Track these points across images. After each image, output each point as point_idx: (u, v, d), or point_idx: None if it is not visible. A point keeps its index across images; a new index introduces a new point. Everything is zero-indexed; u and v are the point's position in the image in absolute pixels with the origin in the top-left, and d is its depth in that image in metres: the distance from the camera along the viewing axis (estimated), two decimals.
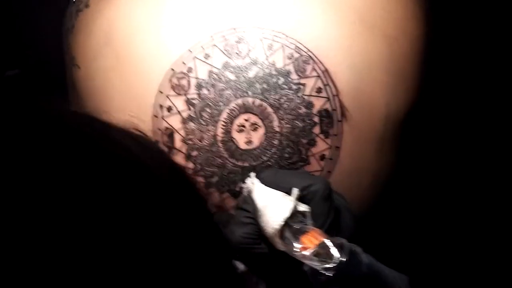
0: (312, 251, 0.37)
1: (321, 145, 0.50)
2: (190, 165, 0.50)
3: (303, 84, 0.49)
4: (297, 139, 0.49)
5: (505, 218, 0.61)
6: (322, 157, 0.50)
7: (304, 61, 0.49)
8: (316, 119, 0.49)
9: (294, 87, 0.49)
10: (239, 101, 0.49)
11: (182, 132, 0.50)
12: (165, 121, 0.50)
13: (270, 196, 0.42)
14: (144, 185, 0.22)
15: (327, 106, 0.49)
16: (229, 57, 0.50)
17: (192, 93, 0.50)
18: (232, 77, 0.49)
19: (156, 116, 0.51)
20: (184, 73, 0.50)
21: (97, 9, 0.54)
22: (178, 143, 0.50)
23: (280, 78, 0.49)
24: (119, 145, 0.23)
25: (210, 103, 0.49)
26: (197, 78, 0.50)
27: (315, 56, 0.49)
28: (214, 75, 0.49)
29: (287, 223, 0.41)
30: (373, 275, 0.37)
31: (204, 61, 0.50)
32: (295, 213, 0.41)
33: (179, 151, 0.50)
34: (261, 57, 0.49)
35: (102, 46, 0.52)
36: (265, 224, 0.41)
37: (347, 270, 0.36)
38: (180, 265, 0.22)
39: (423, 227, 0.61)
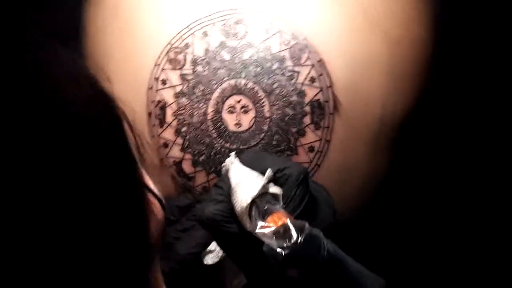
0: (272, 229, 0.38)
1: (311, 136, 0.49)
2: (179, 140, 0.51)
3: (297, 72, 0.48)
4: (286, 127, 0.49)
5: (501, 226, 0.59)
6: (311, 149, 0.49)
7: (300, 49, 0.48)
8: (307, 108, 0.48)
9: (288, 74, 0.48)
10: (232, 81, 0.49)
11: (174, 106, 0.51)
12: (159, 93, 0.51)
13: (245, 175, 0.42)
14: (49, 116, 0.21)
15: (320, 97, 0.48)
16: (226, 37, 0.49)
17: (187, 69, 0.50)
18: (227, 57, 0.49)
19: (150, 88, 0.51)
20: (181, 48, 0.50)
21: None
22: (169, 116, 0.51)
23: (275, 63, 0.48)
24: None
25: (203, 81, 0.50)
26: (193, 54, 0.50)
27: (312, 45, 0.47)
28: (210, 53, 0.49)
29: (256, 203, 0.41)
30: (333, 262, 0.37)
31: (201, 39, 0.50)
32: (266, 194, 0.41)
33: (170, 124, 0.51)
34: (258, 40, 0.48)
35: (109, 19, 0.53)
36: (235, 202, 0.42)
37: (303, 252, 0.36)
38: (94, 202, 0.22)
39: (416, 233, 0.60)
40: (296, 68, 0.48)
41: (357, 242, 0.54)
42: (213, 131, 0.50)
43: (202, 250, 0.52)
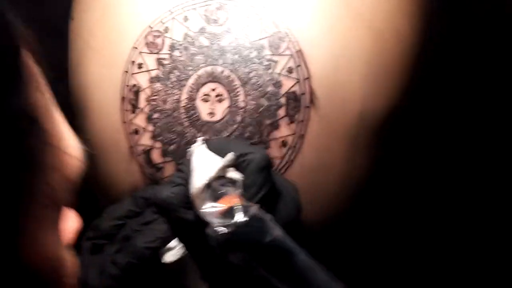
0: (218, 209, 0.35)
1: (285, 130, 0.47)
2: (150, 127, 0.50)
3: (275, 62, 0.47)
4: (260, 119, 0.47)
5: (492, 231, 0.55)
6: (284, 144, 0.47)
7: (279, 37, 0.47)
8: (282, 100, 0.47)
9: (266, 63, 0.47)
10: (209, 68, 0.48)
11: (147, 91, 0.50)
12: (134, 77, 0.50)
13: (206, 159, 0.40)
14: None
15: (296, 88, 0.46)
16: (207, 23, 0.48)
17: (164, 53, 0.49)
18: (206, 43, 0.48)
19: (126, 72, 0.50)
20: (160, 32, 0.49)
21: None
22: (142, 102, 0.50)
23: (253, 51, 0.47)
24: None
25: (179, 66, 0.49)
26: (172, 38, 0.49)
27: (292, 34, 0.46)
28: (189, 38, 0.49)
29: (211, 186, 0.38)
30: (280, 251, 0.34)
31: (182, 23, 0.49)
32: (223, 178, 0.39)
33: (142, 110, 0.50)
34: (237, 27, 0.48)
35: None
36: (192, 186, 0.39)
37: (244, 233, 0.34)
38: None
39: (398, 240, 0.56)
40: (274, 58, 0.47)
41: (333, 249, 0.51)
42: (185, 119, 0.49)
43: (162, 245, 0.49)
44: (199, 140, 0.42)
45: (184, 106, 0.49)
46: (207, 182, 0.38)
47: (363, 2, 0.47)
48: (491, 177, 0.55)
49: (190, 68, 0.48)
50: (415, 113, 0.49)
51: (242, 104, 0.47)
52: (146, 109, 0.50)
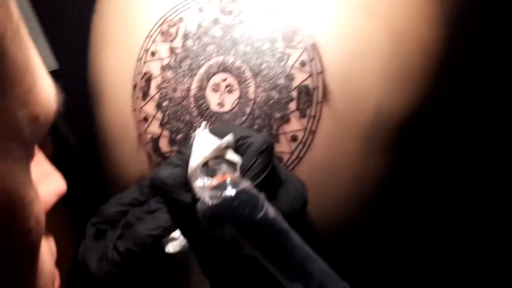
0: (210, 184, 0.34)
1: (295, 124, 0.46)
2: (159, 115, 0.49)
3: (288, 54, 0.46)
4: (270, 111, 0.46)
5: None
6: (294, 138, 0.46)
7: (293, 30, 0.46)
8: (294, 93, 0.45)
9: (278, 55, 0.46)
10: (220, 58, 0.47)
11: (159, 79, 0.49)
12: (146, 65, 0.50)
13: (206, 141, 0.39)
14: None
15: (308, 82, 0.45)
16: (222, 13, 0.48)
17: (177, 42, 0.49)
18: (219, 33, 0.48)
19: (139, 60, 0.50)
20: (175, 22, 0.49)
21: None
22: (153, 89, 0.50)
23: (266, 43, 0.46)
24: None
25: (191, 55, 0.48)
26: (185, 28, 0.49)
27: (307, 27, 0.45)
28: (202, 28, 0.48)
29: (208, 166, 0.37)
30: (271, 230, 0.33)
31: (196, 14, 0.49)
32: (221, 159, 0.38)
33: (152, 98, 0.49)
34: (251, 19, 0.47)
35: None
36: (189, 167, 0.38)
37: (233, 206, 0.32)
38: None
39: (412, 249, 0.53)
40: (287, 50, 0.46)
41: (342, 257, 0.48)
42: (194, 108, 0.48)
43: (164, 235, 0.48)
44: (203, 125, 0.41)
45: (193, 95, 0.48)
46: (203, 161, 0.37)
47: (381, 3, 0.45)
48: None
49: (201, 57, 0.48)
50: (434, 119, 0.47)
51: (252, 96, 0.46)
52: (156, 97, 0.49)
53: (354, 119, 0.45)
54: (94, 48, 0.56)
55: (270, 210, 0.33)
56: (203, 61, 0.48)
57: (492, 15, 0.46)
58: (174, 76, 0.49)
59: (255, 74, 0.46)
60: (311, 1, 0.46)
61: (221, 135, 0.40)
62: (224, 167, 0.36)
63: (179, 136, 0.49)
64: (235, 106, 0.47)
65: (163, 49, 0.49)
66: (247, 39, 0.47)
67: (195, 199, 0.38)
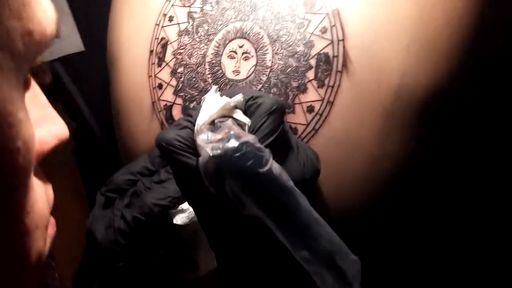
0: (214, 137, 0.32)
1: (312, 95, 0.43)
2: (174, 82, 0.48)
3: (309, 20, 0.43)
4: (287, 80, 0.44)
5: None
6: (310, 109, 0.43)
7: None
8: (312, 61, 0.43)
9: (298, 21, 0.44)
10: (238, 24, 0.46)
11: (175, 44, 0.48)
12: (164, 30, 0.48)
13: (215, 101, 0.37)
14: None
15: (328, 50, 0.43)
16: None
17: (196, 7, 0.48)
18: None
19: (157, 25, 0.49)
20: None
21: None
22: (168, 55, 0.48)
23: (286, 8, 0.44)
24: None
25: (209, 20, 0.47)
26: None
27: None
28: None
29: (214, 124, 0.35)
30: (275, 186, 0.30)
31: None
32: (229, 118, 0.36)
33: (168, 64, 0.48)
34: None
35: None
36: (195, 125, 0.36)
37: (236, 158, 0.30)
38: None
39: (431, 234, 0.50)
40: (308, 16, 0.44)
41: (357, 239, 0.46)
42: (209, 75, 0.46)
43: (172, 205, 0.47)
44: (213, 88, 0.39)
45: (209, 61, 0.46)
46: (210, 119, 0.35)
47: None
48: None
49: (219, 22, 0.46)
50: (462, 97, 0.43)
51: (269, 64, 0.44)
52: (172, 63, 0.48)
53: (375, 91, 0.43)
54: (113, 18, 0.55)
55: (275, 166, 0.31)
56: (220, 27, 0.46)
57: None
58: (190, 42, 0.47)
59: (273, 41, 0.44)
60: None
61: (231, 96, 0.38)
62: (229, 122, 0.34)
63: (192, 104, 0.47)
64: (250, 74, 0.45)
65: (181, 14, 0.48)
66: (267, 4, 0.45)
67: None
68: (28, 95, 0.30)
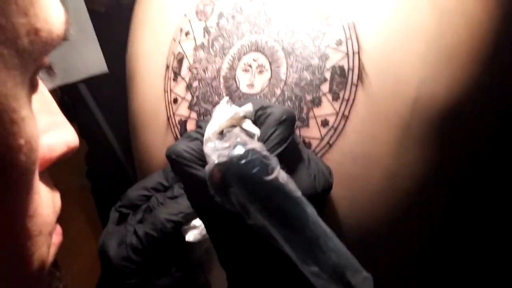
0: (221, 145, 0.32)
1: (327, 108, 0.43)
2: (189, 96, 0.48)
3: (324, 33, 0.43)
4: (301, 93, 0.43)
5: None
6: (325, 123, 0.43)
7: (331, 7, 0.43)
8: (327, 74, 0.43)
9: (313, 33, 0.43)
10: (253, 37, 0.46)
11: (190, 59, 0.48)
12: (180, 45, 0.49)
13: (225, 111, 0.37)
14: None
15: (344, 62, 0.42)
16: None
17: (212, 21, 0.48)
18: (254, 12, 0.46)
19: (174, 40, 0.50)
20: (211, 1, 0.49)
21: None
22: (184, 70, 0.49)
23: (301, 21, 0.44)
24: None
25: (224, 34, 0.47)
26: (221, 7, 0.48)
27: (345, 4, 0.43)
28: (237, 6, 0.47)
29: (224, 134, 0.35)
30: (281, 195, 0.29)
31: None
32: (238, 128, 0.35)
33: (183, 78, 0.48)
34: None
35: None
36: (204, 135, 0.36)
37: (239, 166, 0.29)
38: None
39: (452, 256, 0.47)
40: (323, 28, 0.43)
41: (372, 263, 0.44)
42: (224, 89, 0.46)
43: (184, 221, 0.46)
44: (225, 99, 0.39)
45: (224, 75, 0.47)
46: (219, 129, 0.35)
47: None
48: None
49: (234, 36, 0.47)
50: (482, 110, 0.42)
51: (283, 77, 0.44)
52: (187, 78, 0.48)
53: (391, 104, 0.42)
54: (132, 34, 0.56)
55: (282, 175, 0.30)
56: (235, 40, 0.46)
57: None
58: (205, 56, 0.48)
59: (288, 54, 0.44)
60: None
61: (241, 106, 0.38)
62: (237, 130, 0.34)
63: (207, 118, 0.47)
64: (265, 87, 0.45)
65: (197, 29, 0.49)
66: (282, 18, 0.45)
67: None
68: (39, 101, 0.31)
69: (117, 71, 0.67)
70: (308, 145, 0.43)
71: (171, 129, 0.50)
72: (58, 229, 0.33)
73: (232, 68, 0.46)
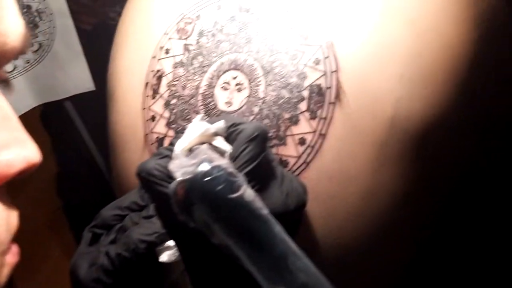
0: (187, 162, 0.31)
1: (304, 126, 0.43)
2: (167, 113, 0.48)
3: (302, 52, 0.43)
4: (279, 111, 0.43)
5: None
6: (302, 142, 0.43)
7: (309, 27, 0.44)
8: (305, 93, 0.43)
9: (292, 52, 0.44)
10: (233, 56, 0.46)
11: (170, 76, 0.48)
12: (160, 63, 0.49)
13: (197, 128, 0.36)
14: None
15: (321, 81, 0.42)
16: (239, 11, 0.47)
17: (192, 39, 0.48)
18: (234, 30, 0.47)
19: (154, 57, 0.50)
20: (192, 19, 0.49)
21: None
22: (163, 87, 0.49)
23: (280, 40, 0.44)
24: None
25: (204, 52, 0.47)
26: (202, 25, 0.48)
27: (323, 24, 0.43)
28: (218, 25, 0.47)
29: (193, 151, 0.34)
30: (247, 213, 0.29)
31: (214, 12, 0.48)
32: (208, 145, 0.35)
33: (162, 96, 0.48)
34: (268, 16, 0.45)
35: None
36: (173, 152, 0.36)
37: (203, 183, 0.29)
38: None
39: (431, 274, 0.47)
40: (302, 48, 0.43)
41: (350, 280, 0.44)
42: (202, 107, 0.46)
43: (159, 241, 0.45)
44: (198, 116, 0.38)
45: (202, 93, 0.46)
46: (188, 146, 0.34)
47: (405, 0, 0.43)
48: None
49: (214, 54, 0.47)
50: (458, 128, 0.42)
51: (261, 95, 0.44)
52: (166, 95, 0.48)
53: (368, 123, 0.42)
54: (114, 50, 0.56)
55: (249, 192, 0.30)
56: (215, 58, 0.46)
57: None
58: (184, 74, 0.48)
59: (267, 72, 0.44)
60: None
61: (213, 123, 0.38)
62: (204, 147, 0.34)
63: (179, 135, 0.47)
64: (243, 105, 0.45)
65: (177, 47, 0.49)
66: (262, 36, 0.45)
67: None
68: None
69: (104, 89, 0.67)
70: (285, 163, 0.43)
71: (149, 147, 0.49)
72: (14, 249, 0.32)
73: (211, 85, 0.46)
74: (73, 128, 0.92)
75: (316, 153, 0.42)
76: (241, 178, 0.30)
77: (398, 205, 0.43)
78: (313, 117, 0.43)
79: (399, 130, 0.41)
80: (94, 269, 0.46)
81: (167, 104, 0.48)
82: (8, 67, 0.22)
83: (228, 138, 0.36)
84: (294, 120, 0.43)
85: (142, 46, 0.51)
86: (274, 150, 0.43)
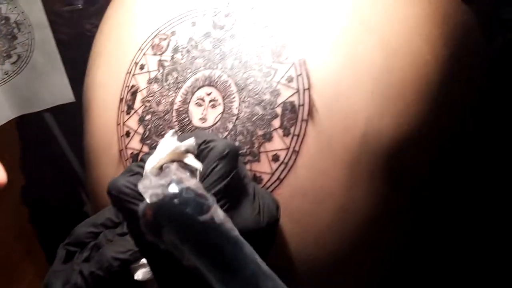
0: (156, 183, 0.31)
1: (277, 143, 0.43)
2: (141, 129, 0.47)
3: (275, 70, 0.44)
4: (253, 128, 0.43)
5: None
6: (276, 158, 0.43)
7: (282, 45, 0.44)
8: (278, 110, 0.43)
9: (265, 70, 0.44)
10: (207, 72, 0.46)
11: (144, 92, 0.48)
12: (134, 78, 0.49)
13: (168, 145, 0.36)
14: None
15: (294, 99, 0.43)
16: (214, 28, 0.47)
17: (167, 55, 0.48)
18: (208, 47, 0.47)
19: (129, 73, 0.50)
20: (167, 35, 0.49)
21: None
22: (137, 103, 0.49)
23: (254, 57, 0.45)
24: None
25: (178, 68, 0.47)
26: (176, 41, 0.48)
27: (296, 42, 0.43)
28: (193, 41, 0.48)
29: (163, 169, 0.34)
30: (218, 235, 0.29)
31: (189, 28, 0.48)
32: (179, 163, 0.35)
33: (136, 111, 0.48)
34: (242, 33, 0.46)
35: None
36: (144, 170, 0.35)
37: (172, 206, 0.29)
38: None
39: None
40: (275, 65, 0.44)
41: None
42: (176, 123, 0.46)
43: (133, 259, 0.45)
44: (170, 132, 0.38)
45: (176, 109, 0.46)
46: (158, 164, 0.34)
47: (376, 18, 0.43)
48: None
49: (188, 70, 0.47)
50: (429, 145, 0.43)
51: (235, 111, 0.44)
52: (140, 111, 0.48)
53: (341, 140, 0.42)
54: (90, 64, 0.56)
55: (219, 213, 0.30)
56: (189, 75, 0.47)
57: (500, 36, 0.43)
58: (159, 90, 0.47)
59: (241, 89, 0.44)
60: (303, 16, 0.44)
61: (183, 140, 0.38)
62: (174, 166, 0.33)
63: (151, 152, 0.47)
64: (217, 122, 0.45)
65: (152, 62, 0.49)
66: (236, 53, 0.45)
67: None
68: None
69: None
70: (259, 179, 0.43)
71: (123, 163, 0.49)
72: None
73: (185, 101, 0.46)
74: (54, 141, 0.91)
75: (289, 169, 0.43)
76: (210, 199, 0.30)
77: (371, 221, 0.44)
78: (286, 134, 0.43)
79: (370, 147, 0.42)
80: None
81: (141, 120, 0.48)
82: None
83: (199, 156, 0.36)
84: (268, 137, 0.43)
85: (117, 61, 0.51)
86: (248, 167, 0.43)
